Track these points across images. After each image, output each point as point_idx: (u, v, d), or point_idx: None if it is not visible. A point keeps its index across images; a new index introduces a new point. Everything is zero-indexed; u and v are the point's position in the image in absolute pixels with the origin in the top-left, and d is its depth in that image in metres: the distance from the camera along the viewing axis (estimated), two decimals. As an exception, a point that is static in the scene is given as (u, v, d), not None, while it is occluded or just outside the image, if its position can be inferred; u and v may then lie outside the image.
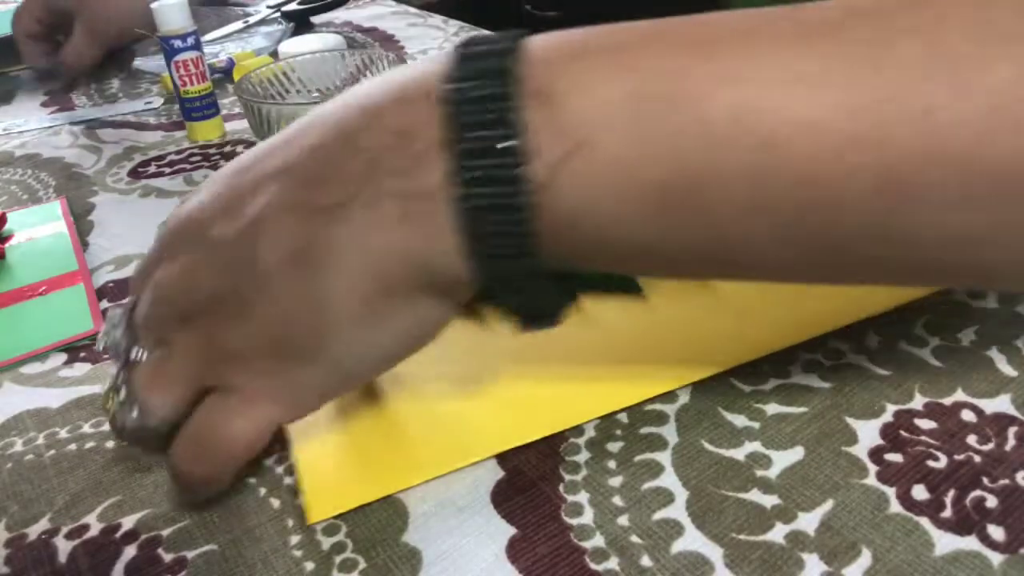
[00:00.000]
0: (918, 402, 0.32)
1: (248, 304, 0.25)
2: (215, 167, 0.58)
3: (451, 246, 0.23)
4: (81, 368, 0.39)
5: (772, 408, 0.32)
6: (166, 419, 0.27)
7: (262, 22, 0.85)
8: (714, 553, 0.27)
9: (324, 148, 0.24)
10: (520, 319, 0.26)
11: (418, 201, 0.22)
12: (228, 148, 0.61)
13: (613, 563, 0.27)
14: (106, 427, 0.35)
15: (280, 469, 0.32)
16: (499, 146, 0.21)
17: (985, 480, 0.29)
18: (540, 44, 0.23)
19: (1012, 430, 0.31)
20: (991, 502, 0.28)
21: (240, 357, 0.25)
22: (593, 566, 0.27)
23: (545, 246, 0.23)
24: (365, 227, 0.23)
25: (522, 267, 0.23)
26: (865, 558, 0.27)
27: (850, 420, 0.32)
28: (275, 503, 0.30)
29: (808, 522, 0.28)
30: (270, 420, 0.27)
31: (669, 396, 0.33)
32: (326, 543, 0.29)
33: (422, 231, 0.23)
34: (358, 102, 0.24)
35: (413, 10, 0.94)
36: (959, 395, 0.32)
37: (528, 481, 0.30)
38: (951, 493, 0.28)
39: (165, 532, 0.30)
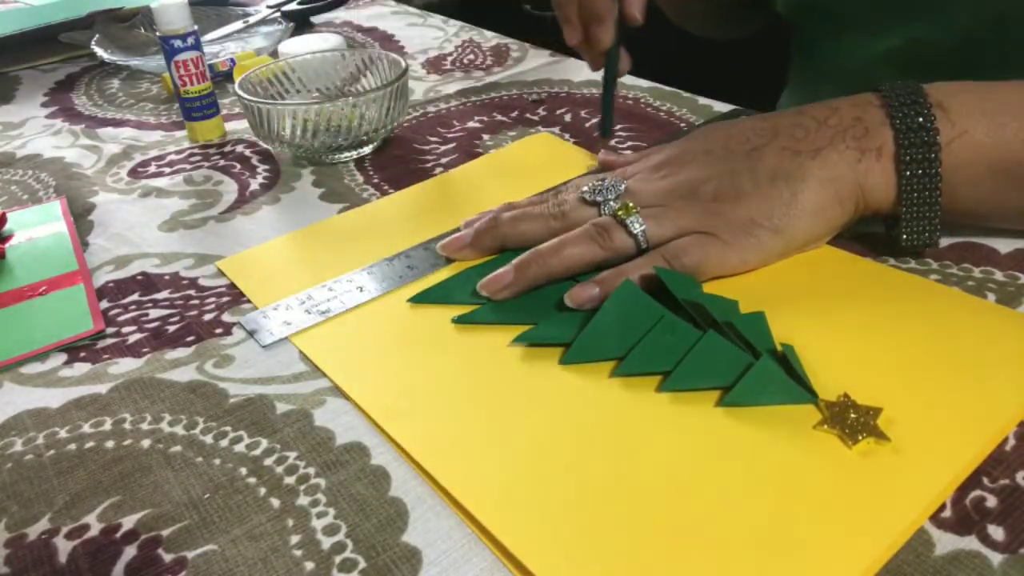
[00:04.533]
0: (918, 402, 0.32)
1: (743, 194, 0.39)
2: (215, 167, 0.58)
3: (884, 180, 0.39)
4: (81, 368, 0.39)
5: (772, 408, 0.32)
6: (650, 243, 0.40)
7: (262, 22, 0.85)
8: (714, 553, 0.27)
9: (802, 126, 0.41)
10: (906, 239, 0.39)
11: (869, 153, 0.39)
12: (228, 148, 0.61)
13: (613, 563, 0.27)
14: (106, 427, 0.35)
15: (280, 469, 0.32)
16: (919, 120, 0.38)
17: (985, 480, 0.29)
18: (930, 85, 0.39)
19: (1012, 430, 0.31)
20: (991, 502, 0.28)
21: (726, 221, 0.39)
22: (593, 566, 0.27)
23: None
24: (833, 163, 0.39)
25: (926, 200, 0.38)
26: (865, 558, 0.26)
27: (850, 420, 0.32)
28: (275, 503, 0.30)
29: (808, 522, 0.28)
30: (730, 261, 0.39)
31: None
32: (326, 543, 0.29)
33: (870, 168, 0.39)
34: (813, 108, 0.41)
35: (413, 10, 0.94)
36: (959, 395, 0.32)
37: (528, 481, 0.30)
38: (951, 493, 0.28)
39: (165, 532, 0.30)
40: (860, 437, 0.30)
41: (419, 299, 0.41)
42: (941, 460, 0.29)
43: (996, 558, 0.26)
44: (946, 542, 0.27)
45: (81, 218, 0.53)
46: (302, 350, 0.38)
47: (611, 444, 0.31)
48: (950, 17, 0.52)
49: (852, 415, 0.31)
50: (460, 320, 0.39)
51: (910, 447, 0.30)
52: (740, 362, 0.33)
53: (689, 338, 0.35)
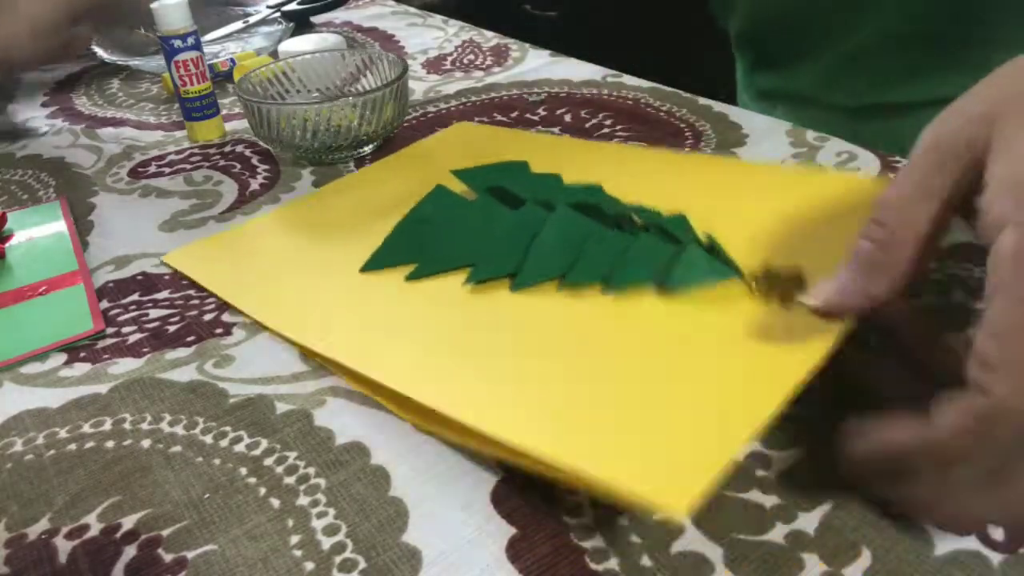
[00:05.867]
0: (918, 402, 0.32)
1: None
2: (215, 167, 0.58)
3: None
4: (81, 368, 0.39)
5: (772, 408, 0.32)
6: None
7: (262, 22, 0.85)
8: (714, 553, 0.27)
9: None
10: None
11: None
12: (228, 148, 0.61)
13: (613, 563, 0.27)
14: (106, 427, 0.35)
15: (280, 469, 0.32)
16: None
17: (985, 480, 0.29)
18: None
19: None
20: (991, 502, 0.28)
21: None
22: (593, 566, 0.27)
23: None
24: None
25: None
26: (865, 558, 0.27)
27: (850, 420, 0.32)
28: (275, 503, 0.30)
29: (808, 522, 0.28)
30: None
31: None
32: (326, 543, 0.29)
33: None
34: None
35: (413, 10, 0.94)
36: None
37: (528, 481, 0.30)
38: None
39: (165, 532, 0.30)
40: (794, 295, 0.33)
41: (370, 267, 0.42)
42: None
43: (996, 558, 0.26)
44: (946, 542, 0.27)
45: (81, 218, 0.53)
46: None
47: (570, 341, 0.34)
48: (911, 7, 0.54)
49: (779, 276, 0.34)
50: (412, 276, 0.40)
51: None
52: (669, 253, 0.37)
53: (623, 242, 0.38)
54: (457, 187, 0.47)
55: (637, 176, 0.47)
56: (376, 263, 0.42)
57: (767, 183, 0.45)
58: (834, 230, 0.38)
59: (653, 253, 0.38)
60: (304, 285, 0.42)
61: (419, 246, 0.42)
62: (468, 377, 0.33)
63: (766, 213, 0.40)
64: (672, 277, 0.36)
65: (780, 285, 0.34)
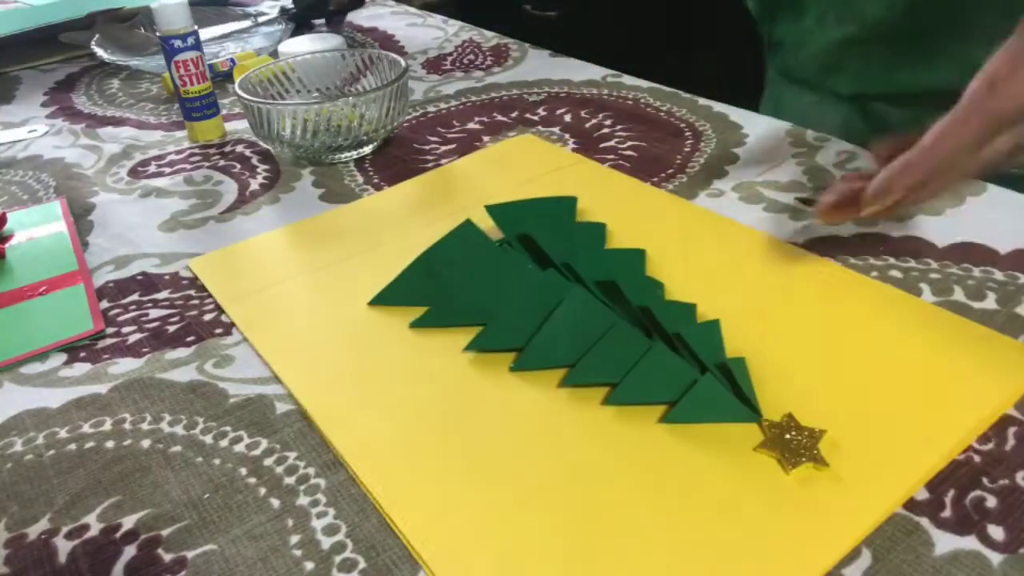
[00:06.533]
0: (918, 402, 0.32)
1: None
2: (215, 167, 0.58)
3: None
4: (81, 368, 0.39)
5: (772, 408, 0.32)
6: None
7: (262, 22, 0.85)
8: (714, 553, 0.27)
9: None
10: None
11: None
12: (228, 148, 0.61)
13: (613, 563, 0.27)
14: (106, 427, 0.35)
15: (280, 469, 0.32)
16: None
17: (985, 480, 0.29)
18: None
19: (1012, 430, 0.31)
20: (991, 502, 0.28)
21: None
22: (593, 566, 0.27)
23: None
24: None
25: None
26: (865, 558, 0.27)
27: (850, 420, 0.32)
28: (275, 503, 0.30)
29: (808, 522, 0.28)
30: None
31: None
32: (326, 543, 0.29)
33: None
34: None
35: (413, 10, 0.94)
36: (959, 395, 0.32)
37: (528, 481, 0.30)
38: (951, 493, 0.28)
39: (165, 532, 0.30)
40: (800, 461, 0.29)
41: (379, 301, 0.41)
42: (879, 488, 0.29)
43: (996, 558, 0.26)
44: (946, 542, 0.27)
45: (81, 218, 0.52)
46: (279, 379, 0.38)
47: (550, 459, 0.31)
48: (867, 8, 0.57)
49: (794, 437, 0.30)
50: (417, 324, 0.39)
51: (849, 473, 0.29)
52: (686, 376, 0.33)
53: (638, 348, 0.34)
54: (489, 221, 0.45)
55: (690, 241, 0.43)
56: (386, 299, 0.41)
57: (827, 283, 0.39)
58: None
59: (668, 371, 0.33)
60: (313, 314, 0.41)
61: (432, 289, 0.40)
62: (419, 471, 0.31)
63: (837, 339, 0.36)
64: (681, 408, 0.32)
65: (792, 444, 0.30)
